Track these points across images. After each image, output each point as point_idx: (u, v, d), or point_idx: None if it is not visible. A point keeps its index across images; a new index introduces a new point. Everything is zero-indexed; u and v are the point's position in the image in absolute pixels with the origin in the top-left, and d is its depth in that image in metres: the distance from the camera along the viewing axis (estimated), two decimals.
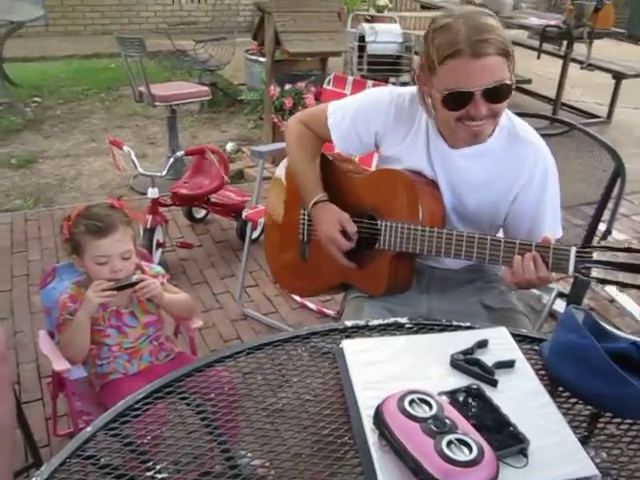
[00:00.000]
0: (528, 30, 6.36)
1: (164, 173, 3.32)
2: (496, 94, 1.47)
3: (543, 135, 1.69)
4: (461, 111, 1.49)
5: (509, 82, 1.47)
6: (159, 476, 0.96)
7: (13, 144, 5.16)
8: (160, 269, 1.96)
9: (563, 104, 6.05)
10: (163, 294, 1.84)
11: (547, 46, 5.97)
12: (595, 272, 1.30)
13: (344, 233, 1.74)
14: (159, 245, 3.31)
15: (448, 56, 1.44)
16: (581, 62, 6.08)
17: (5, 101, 5.80)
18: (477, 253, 1.51)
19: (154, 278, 1.87)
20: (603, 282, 1.31)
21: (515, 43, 6.85)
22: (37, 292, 2.41)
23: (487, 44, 1.41)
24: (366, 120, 1.74)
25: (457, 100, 1.48)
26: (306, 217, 1.91)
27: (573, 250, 1.36)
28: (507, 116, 1.64)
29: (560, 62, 5.84)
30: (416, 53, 5.46)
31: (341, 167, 1.89)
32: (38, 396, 2.45)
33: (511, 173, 1.63)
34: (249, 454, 1.07)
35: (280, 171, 2.04)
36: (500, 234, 1.72)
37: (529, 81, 6.26)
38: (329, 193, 1.81)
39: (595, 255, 1.30)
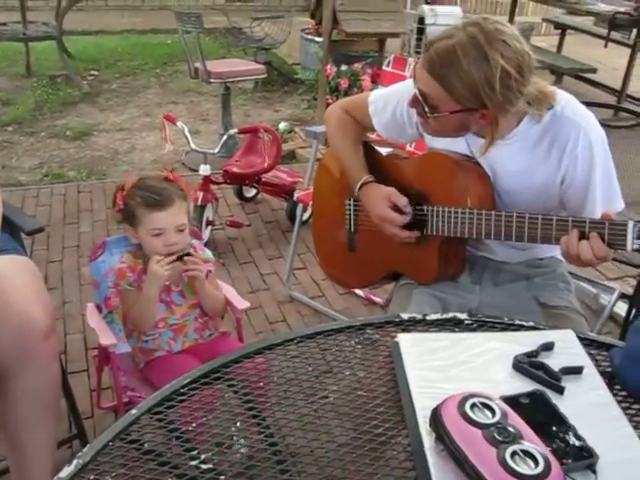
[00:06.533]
0: (595, 17, 6.12)
1: (216, 150, 3.29)
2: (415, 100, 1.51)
3: (607, 127, 1.58)
4: None
5: (423, 104, 1.48)
6: (204, 466, 0.92)
7: (69, 116, 5.22)
8: (211, 256, 1.93)
9: (628, 96, 5.79)
10: (205, 282, 1.83)
11: (615, 34, 5.73)
12: None
13: (396, 208, 1.68)
14: (209, 223, 3.29)
15: None
16: None
17: (63, 73, 5.87)
18: (528, 233, 1.44)
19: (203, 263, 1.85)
20: None
21: (581, 30, 6.61)
22: (87, 264, 2.43)
23: (434, 66, 1.42)
24: (408, 112, 1.69)
25: None
26: (352, 207, 1.86)
27: (631, 224, 1.28)
28: (560, 100, 1.53)
29: (628, 51, 5.60)
30: None
31: (385, 154, 1.85)
32: (83, 367, 2.46)
33: (552, 156, 1.54)
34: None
35: (326, 159, 1.99)
36: None
37: (594, 70, 6.01)
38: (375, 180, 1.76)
39: None
